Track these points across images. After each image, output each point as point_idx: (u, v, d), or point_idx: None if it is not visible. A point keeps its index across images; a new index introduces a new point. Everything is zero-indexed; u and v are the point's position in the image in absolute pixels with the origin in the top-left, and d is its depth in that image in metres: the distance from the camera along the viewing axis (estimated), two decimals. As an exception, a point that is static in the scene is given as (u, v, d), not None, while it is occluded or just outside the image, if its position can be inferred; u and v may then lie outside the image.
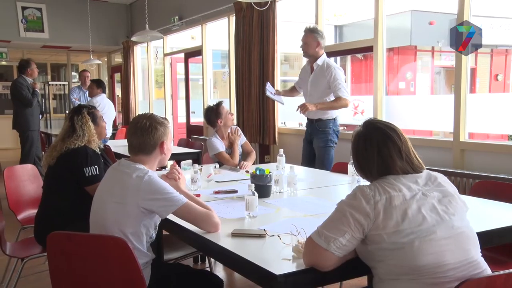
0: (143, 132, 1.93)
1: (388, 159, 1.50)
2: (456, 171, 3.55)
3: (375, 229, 1.38)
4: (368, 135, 1.54)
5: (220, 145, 3.69)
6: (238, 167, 3.47)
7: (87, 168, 2.55)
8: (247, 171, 3.21)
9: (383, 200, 1.40)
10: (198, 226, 1.84)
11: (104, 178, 1.97)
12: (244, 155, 3.86)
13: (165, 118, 2.05)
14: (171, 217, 1.88)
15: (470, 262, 1.40)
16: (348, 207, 1.42)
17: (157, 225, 1.95)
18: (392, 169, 1.50)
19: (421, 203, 1.42)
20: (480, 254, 1.46)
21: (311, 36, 3.87)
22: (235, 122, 3.78)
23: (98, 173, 2.57)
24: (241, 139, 3.87)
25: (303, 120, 5.92)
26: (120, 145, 5.20)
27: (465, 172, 3.49)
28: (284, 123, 5.94)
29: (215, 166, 3.35)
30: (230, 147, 3.70)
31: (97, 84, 6.10)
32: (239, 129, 3.89)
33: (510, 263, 2.23)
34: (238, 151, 3.63)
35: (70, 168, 2.57)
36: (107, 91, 6.42)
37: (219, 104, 3.78)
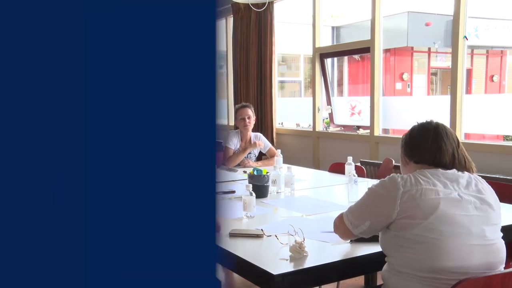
0: None
1: (443, 146, 1.47)
2: (452, 171, 3.57)
3: (401, 218, 1.35)
4: (431, 123, 1.58)
5: (233, 141, 3.66)
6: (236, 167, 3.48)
7: None
8: (244, 172, 3.22)
9: (413, 191, 1.36)
10: None
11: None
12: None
13: None
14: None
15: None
16: (376, 195, 1.43)
17: None
18: (442, 157, 1.46)
19: (454, 204, 1.36)
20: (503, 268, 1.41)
21: None
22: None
23: None
24: (266, 146, 3.77)
25: (301, 120, 5.95)
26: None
27: (461, 172, 3.50)
28: (282, 123, 5.94)
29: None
30: (242, 150, 3.65)
31: None
32: (261, 138, 3.80)
33: (509, 263, 2.24)
34: (236, 159, 3.59)
35: None
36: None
37: (237, 108, 3.75)
